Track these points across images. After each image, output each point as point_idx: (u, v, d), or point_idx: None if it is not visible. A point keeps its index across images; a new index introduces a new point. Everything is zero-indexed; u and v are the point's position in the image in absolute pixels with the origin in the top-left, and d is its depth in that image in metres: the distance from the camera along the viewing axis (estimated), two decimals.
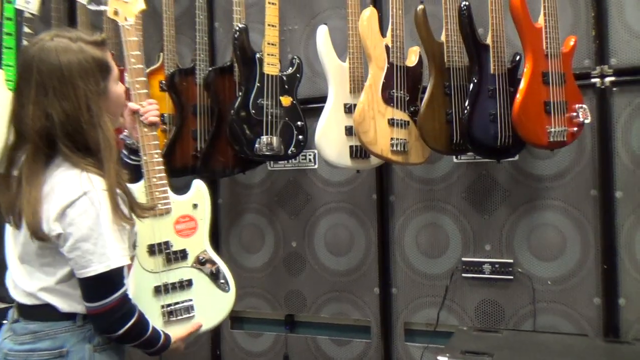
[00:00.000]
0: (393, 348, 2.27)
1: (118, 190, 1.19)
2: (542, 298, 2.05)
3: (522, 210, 2.08)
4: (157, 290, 1.49)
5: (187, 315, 1.52)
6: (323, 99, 2.02)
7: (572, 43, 1.87)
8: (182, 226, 1.55)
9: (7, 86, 2.56)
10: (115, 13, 1.60)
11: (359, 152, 1.99)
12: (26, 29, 2.55)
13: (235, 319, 2.56)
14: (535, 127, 1.80)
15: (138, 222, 1.30)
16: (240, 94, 2.05)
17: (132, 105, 1.51)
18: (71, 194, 1.15)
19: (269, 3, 2.06)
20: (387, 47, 1.91)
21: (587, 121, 1.83)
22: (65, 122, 1.16)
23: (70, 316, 1.20)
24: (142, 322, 1.24)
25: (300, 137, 2.13)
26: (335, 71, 1.99)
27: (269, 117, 2.04)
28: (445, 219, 2.20)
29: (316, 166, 2.38)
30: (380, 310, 2.28)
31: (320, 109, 2.00)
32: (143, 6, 1.68)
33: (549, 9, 1.81)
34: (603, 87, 1.96)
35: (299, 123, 2.11)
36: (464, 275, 2.15)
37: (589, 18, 1.98)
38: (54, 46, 1.19)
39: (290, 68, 2.13)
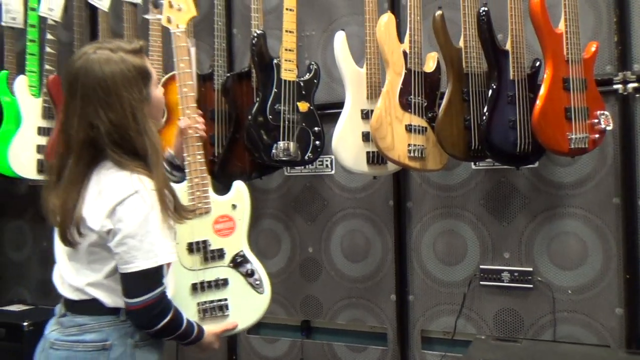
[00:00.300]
0: (410, 356, 2.25)
1: (165, 191, 1.24)
2: (563, 307, 2.02)
3: (542, 217, 2.05)
4: (194, 288, 1.52)
5: (222, 314, 1.54)
6: (340, 105, 2.02)
7: (593, 49, 1.84)
8: (221, 226, 1.58)
9: (30, 92, 2.62)
10: (169, 21, 1.66)
11: (376, 158, 1.98)
12: (49, 36, 2.61)
13: None
14: (555, 133, 1.77)
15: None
16: (257, 99, 2.06)
17: (180, 124, 1.57)
18: (122, 192, 1.20)
19: (287, 9, 2.07)
20: (404, 52, 1.90)
21: (609, 128, 1.79)
22: (112, 131, 1.20)
23: (114, 311, 1.25)
24: (178, 317, 1.28)
25: (317, 142, 2.13)
26: (353, 77, 1.99)
27: (286, 122, 2.04)
28: (463, 226, 2.17)
29: (333, 172, 2.38)
30: (397, 317, 2.26)
31: (338, 115, 2.00)
32: (194, 13, 1.73)
33: (570, 14, 1.78)
34: (625, 93, 1.92)
35: (316, 129, 2.11)
36: (482, 283, 2.13)
37: (611, 23, 1.94)
38: (96, 58, 1.22)
39: (308, 74, 2.13)
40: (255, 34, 2.12)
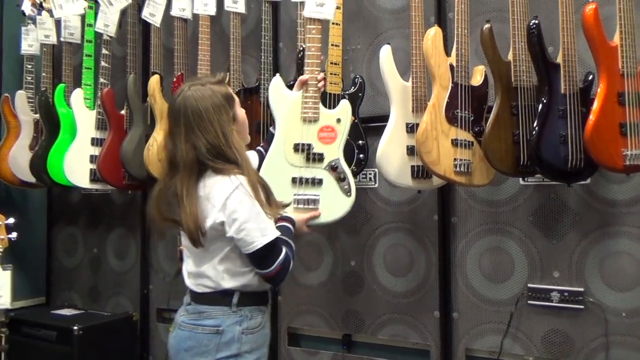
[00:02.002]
0: None
1: (258, 185, 1.51)
2: (616, 331, 1.93)
3: (594, 236, 1.98)
4: (294, 181, 1.81)
5: (312, 207, 1.81)
6: (385, 118, 2.01)
7: None
8: (325, 134, 1.84)
9: (85, 104, 2.73)
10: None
11: (421, 172, 1.96)
12: (104, 51, 2.72)
13: (292, 335, 2.57)
14: (609, 149, 1.71)
15: (292, 124, 1.80)
16: None
17: (303, 77, 1.89)
18: (228, 189, 1.46)
19: (333, 23, 2.09)
20: (451, 66, 1.88)
21: None
22: (210, 149, 1.48)
23: (227, 302, 1.50)
24: (291, 256, 1.54)
25: (361, 155, 2.13)
26: (398, 90, 1.98)
27: None
28: (510, 242, 2.12)
29: (376, 185, 2.37)
30: (441, 334, 2.22)
31: (382, 128, 2.00)
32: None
33: (625, 26, 1.72)
34: None
35: (360, 142, 2.11)
36: (530, 302, 2.06)
37: None
38: (191, 94, 1.51)
39: (353, 87, 2.14)
40: (301, 48, 2.15)
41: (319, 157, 1.85)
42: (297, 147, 1.83)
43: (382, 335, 2.35)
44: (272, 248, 1.48)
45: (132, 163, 2.56)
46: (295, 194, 1.80)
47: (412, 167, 1.97)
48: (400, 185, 2.00)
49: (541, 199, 2.07)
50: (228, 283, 1.51)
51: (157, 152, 2.42)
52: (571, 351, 2.00)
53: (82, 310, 2.95)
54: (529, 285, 2.07)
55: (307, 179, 1.82)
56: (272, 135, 1.90)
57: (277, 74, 1.95)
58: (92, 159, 2.67)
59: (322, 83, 1.92)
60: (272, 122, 1.94)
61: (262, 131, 2.26)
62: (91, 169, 2.67)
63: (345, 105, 1.92)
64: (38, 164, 2.74)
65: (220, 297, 1.51)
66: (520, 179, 2.08)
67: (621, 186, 1.94)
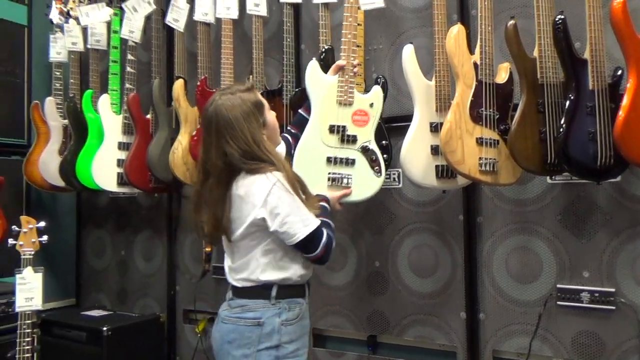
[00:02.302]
0: None
1: (295, 181, 1.58)
2: None
3: (626, 235, 1.93)
4: (329, 160, 1.90)
5: (345, 185, 1.90)
6: (408, 118, 2.00)
7: None
8: (358, 117, 1.94)
9: (112, 109, 2.78)
10: None
11: (445, 171, 1.95)
12: (130, 57, 2.76)
13: (317, 337, 2.57)
14: None
15: (328, 106, 1.90)
16: None
17: (339, 62, 1.95)
18: (266, 186, 1.53)
19: (358, 24, 2.08)
20: (475, 64, 1.86)
21: None
22: (242, 155, 1.54)
23: (266, 296, 1.58)
24: (332, 235, 1.61)
25: (385, 156, 2.12)
26: (421, 90, 1.96)
27: None
28: (538, 242, 2.08)
29: (400, 185, 2.36)
30: (467, 336, 2.19)
31: (405, 128, 1.99)
32: None
33: None
34: None
35: (383, 142, 2.10)
36: (559, 303, 2.03)
37: None
38: (222, 103, 1.57)
39: None
40: (324, 49, 2.15)
41: (353, 139, 1.93)
42: (332, 129, 1.91)
43: (408, 337, 2.33)
44: (314, 235, 1.56)
45: (158, 166, 2.60)
46: (329, 173, 1.89)
47: (437, 166, 1.95)
48: (424, 185, 1.98)
49: (570, 198, 2.03)
50: (267, 276, 1.58)
51: (182, 155, 2.45)
52: (602, 353, 1.95)
53: (111, 312, 2.99)
54: (558, 285, 2.03)
55: (340, 159, 1.90)
56: (300, 117, 1.96)
57: (314, 59, 1.99)
58: (119, 162, 2.71)
59: (357, 68, 1.98)
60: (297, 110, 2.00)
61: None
62: (118, 173, 2.71)
63: (377, 91, 1.99)
64: (67, 168, 2.80)
65: (260, 290, 1.59)
66: (548, 177, 2.05)
67: None
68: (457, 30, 1.86)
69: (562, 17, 1.75)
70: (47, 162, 2.95)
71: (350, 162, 1.92)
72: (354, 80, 1.96)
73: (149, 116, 2.72)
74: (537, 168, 1.83)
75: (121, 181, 2.71)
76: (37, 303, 2.16)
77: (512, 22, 1.81)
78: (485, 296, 2.18)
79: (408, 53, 1.97)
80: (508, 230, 2.14)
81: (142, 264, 3.18)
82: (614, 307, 1.93)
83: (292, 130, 1.94)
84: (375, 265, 2.42)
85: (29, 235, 2.19)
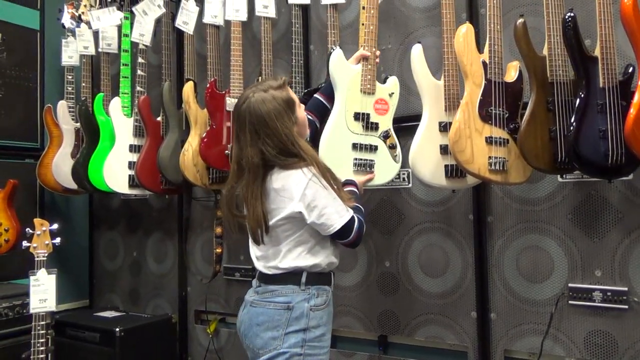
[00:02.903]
0: None
1: (327, 174, 1.64)
2: None
3: (638, 234, 1.91)
4: (354, 146, 1.97)
5: (369, 170, 1.99)
6: (417, 118, 2.00)
7: None
8: (379, 106, 2.03)
9: (123, 112, 2.80)
10: None
11: (455, 171, 1.94)
12: (140, 60, 2.78)
13: None
14: None
15: (353, 94, 1.97)
16: None
17: (363, 52, 2.02)
18: (303, 180, 1.59)
19: (363, 24, 2.08)
20: (484, 63, 1.86)
21: None
22: (277, 152, 1.59)
23: (296, 281, 1.63)
24: (363, 220, 1.71)
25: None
26: (430, 89, 1.96)
27: None
28: (549, 241, 2.07)
29: (410, 185, 2.35)
30: (478, 335, 2.18)
31: (415, 128, 1.99)
32: None
33: None
34: None
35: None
36: (571, 302, 2.01)
37: None
38: (254, 101, 1.61)
39: None
40: (332, 50, 2.15)
41: (375, 126, 2.01)
42: (357, 116, 1.99)
43: (419, 337, 2.33)
44: (349, 224, 1.64)
45: (168, 168, 2.61)
46: (355, 158, 1.97)
47: (446, 166, 1.95)
48: (434, 185, 1.98)
49: (581, 196, 2.01)
50: (297, 263, 1.64)
51: (192, 157, 2.47)
52: (615, 353, 1.94)
53: (124, 312, 3.01)
54: (570, 285, 2.02)
55: (365, 145, 1.99)
56: (318, 102, 2.01)
57: (338, 47, 2.06)
58: (131, 165, 2.73)
59: (378, 59, 2.05)
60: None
61: None
62: (130, 175, 2.73)
63: (395, 81, 2.07)
64: (79, 171, 2.83)
65: (289, 276, 1.64)
66: (558, 176, 2.03)
67: None
68: (466, 29, 1.86)
69: (572, 14, 1.73)
70: (59, 165, 2.98)
71: (373, 149, 2.00)
72: (375, 70, 2.03)
73: (159, 119, 2.74)
74: (547, 167, 1.81)
75: (132, 183, 2.73)
76: (51, 304, 2.19)
77: (521, 20, 1.80)
78: (496, 296, 2.17)
79: (417, 52, 1.97)
80: (519, 229, 2.13)
81: (153, 265, 3.21)
82: (626, 307, 1.92)
83: (309, 116, 1.94)
84: (385, 266, 2.42)
85: (42, 238, 2.22)
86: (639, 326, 1.90)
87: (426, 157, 1.94)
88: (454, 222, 2.26)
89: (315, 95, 2.03)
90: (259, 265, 1.70)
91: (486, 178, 1.85)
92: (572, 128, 1.73)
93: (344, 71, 2.00)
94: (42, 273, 2.19)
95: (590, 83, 1.74)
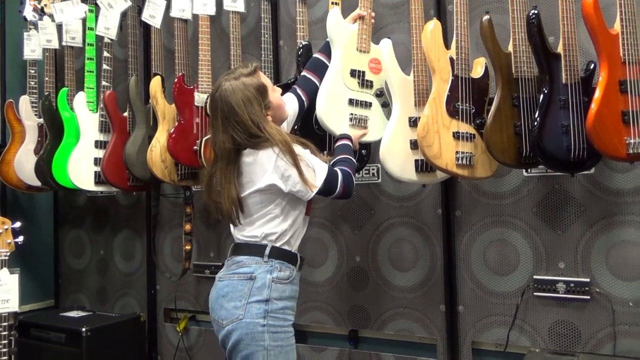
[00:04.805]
0: None
1: (294, 146, 1.66)
2: (623, 320, 1.92)
3: (600, 226, 1.97)
4: (350, 102, 2.01)
5: (363, 125, 2.02)
6: None
7: None
8: (373, 65, 2.06)
9: (88, 107, 2.74)
10: None
11: (424, 166, 1.96)
12: (106, 54, 2.73)
13: (299, 333, 2.55)
14: (612, 138, 1.69)
15: (349, 52, 2.01)
16: None
17: (359, 12, 2.06)
18: (272, 156, 1.63)
19: None
20: (451, 59, 1.88)
21: None
22: (247, 137, 1.64)
23: (260, 253, 1.67)
24: (348, 171, 1.75)
25: (364, 151, 2.13)
26: (400, 84, 1.97)
27: None
28: (514, 234, 2.11)
29: (380, 180, 2.37)
30: (447, 328, 2.22)
31: None
32: None
33: (626, 14, 1.71)
34: None
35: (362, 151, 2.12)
36: (535, 294, 2.06)
37: None
38: (225, 89, 1.66)
39: None
40: (301, 45, 2.15)
41: (370, 84, 2.05)
42: (353, 73, 2.03)
43: (388, 330, 2.35)
44: (328, 180, 1.68)
45: (135, 164, 2.57)
46: (351, 113, 2.01)
47: (416, 161, 1.96)
48: (404, 179, 1.99)
49: (545, 190, 2.06)
50: (263, 230, 1.68)
51: (160, 153, 2.43)
52: (578, 342, 1.99)
53: (91, 312, 2.96)
54: (535, 277, 2.06)
55: (360, 101, 2.02)
56: (317, 61, 2.04)
57: (335, 6, 2.08)
58: (96, 161, 2.68)
59: (373, 20, 2.11)
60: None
61: None
62: (95, 172, 2.68)
63: (388, 42, 2.06)
64: (43, 167, 2.76)
65: (254, 248, 1.69)
66: (524, 170, 2.07)
67: (625, 175, 1.93)
68: (434, 26, 1.87)
69: (536, 11, 1.77)
70: (22, 162, 2.90)
71: (367, 105, 2.04)
72: (371, 29, 2.09)
73: (126, 114, 2.69)
74: (512, 161, 1.85)
75: (98, 180, 2.68)
76: (14, 305, 2.13)
77: (487, 17, 1.82)
78: (464, 289, 2.20)
79: (386, 48, 1.98)
80: (486, 223, 2.17)
81: (121, 264, 3.15)
82: (589, 297, 1.97)
83: (307, 75, 2.01)
84: (355, 260, 2.44)
85: (4, 237, 2.15)
86: (601, 316, 1.96)
87: (396, 152, 1.95)
88: (422, 217, 2.29)
89: (315, 54, 2.06)
90: (236, 235, 1.75)
91: (454, 172, 1.88)
92: (536, 123, 1.77)
93: (341, 29, 2.03)
94: (4, 273, 2.13)
95: (553, 79, 1.78)
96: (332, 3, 2.07)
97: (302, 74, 2.03)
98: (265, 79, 1.73)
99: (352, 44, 2.03)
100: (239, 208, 1.68)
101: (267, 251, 1.67)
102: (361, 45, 2.04)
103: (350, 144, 1.89)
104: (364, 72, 2.04)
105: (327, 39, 2.04)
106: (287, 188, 1.65)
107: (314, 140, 2.06)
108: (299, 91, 1.98)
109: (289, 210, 1.70)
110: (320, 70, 2.02)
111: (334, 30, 2.02)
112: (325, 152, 2.10)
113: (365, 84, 2.04)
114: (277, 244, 1.69)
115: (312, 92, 1.98)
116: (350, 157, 1.82)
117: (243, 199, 1.68)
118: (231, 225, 1.78)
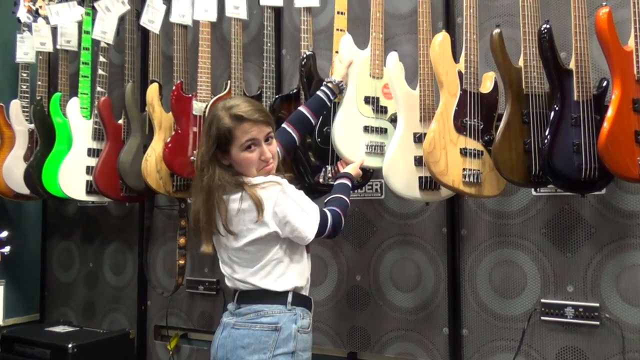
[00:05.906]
0: None
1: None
2: (634, 348, 1.86)
3: (610, 249, 1.91)
4: (365, 129, 2.00)
5: (379, 153, 1.99)
6: None
7: None
8: (387, 90, 2.04)
9: (81, 113, 2.67)
10: None
11: (429, 183, 1.90)
12: (102, 59, 2.67)
13: None
14: (624, 158, 1.65)
15: (363, 78, 2.01)
16: None
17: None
18: (272, 197, 1.55)
19: (337, 30, 2.06)
20: (460, 73, 1.83)
21: None
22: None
23: (283, 301, 1.57)
24: (338, 212, 1.65)
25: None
26: (405, 99, 1.92)
27: None
28: (522, 256, 2.05)
29: (383, 197, 2.31)
30: (450, 352, 2.14)
31: None
32: None
33: None
34: None
35: None
36: (543, 318, 1.99)
37: None
38: (215, 108, 1.60)
39: None
40: (305, 55, 2.10)
41: (384, 110, 2.04)
42: (367, 100, 2.01)
43: (389, 354, 2.27)
44: (321, 225, 1.60)
45: (129, 174, 2.50)
46: (367, 141, 2.00)
47: (420, 178, 1.90)
48: (407, 197, 1.93)
49: (554, 211, 2.00)
50: (282, 283, 1.59)
51: (155, 163, 2.37)
52: None
53: (77, 327, 2.88)
54: (542, 300, 2.00)
55: (375, 128, 2.01)
56: (301, 115, 1.88)
57: (348, 32, 2.06)
58: (89, 170, 2.61)
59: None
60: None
61: None
62: (87, 181, 2.60)
63: (394, 55, 2.03)
64: (32, 175, 2.69)
65: (275, 296, 1.58)
66: (532, 189, 2.02)
67: (637, 196, 1.88)
68: (442, 39, 1.83)
69: (548, 26, 1.72)
70: (11, 169, 2.82)
71: (383, 131, 2.03)
72: (383, 54, 2.05)
73: (120, 121, 2.63)
74: (521, 180, 1.79)
75: (90, 189, 2.60)
76: None
77: (497, 30, 1.77)
78: (468, 311, 2.13)
79: (392, 61, 1.92)
80: (492, 243, 2.10)
81: (111, 277, 3.06)
82: (598, 323, 1.91)
83: (287, 129, 1.84)
84: (356, 280, 2.36)
85: None
86: (610, 343, 1.89)
87: (400, 168, 1.89)
88: (427, 235, 2.22)
89: (300, 108, 1.90)
90: (239, 285, 1.62)
91: (460, 190, 1.82)
92: (546, 141, 1.72)
93: (354, 56, 2.00)
94: None
95: (564, 96, 1.73)
96: (338, 13, 2.03)
97: (283, 126, 1.85)
98: (243, 131, 1.56)
99: (365, 70, 2.01)
100: (217, 230, 1.59)
101: (290, 299, 1.58)
102: (374, 71, 2.02)
103: (350, 184, 1.82)
104: (378, 99, 2.02)
105: (317, 92, 1.93)
106: (284, 234, 1.57)
107: (318, 154, 2.02)
108: (291, 131, 1.85)
109: (292, 255, 1.62)
110: (303, 125, 1.87)
111: (347, 57, 1.98)
112: (328, 166, 2.05)
113: (380, 110, 2.02)
114: (298, 291, 1.61)
115: (288, 146, 1.85)
116: (345, 198, 1.73)
117: (238, 246, 1.58)
118: (224, 271, 1.66)
